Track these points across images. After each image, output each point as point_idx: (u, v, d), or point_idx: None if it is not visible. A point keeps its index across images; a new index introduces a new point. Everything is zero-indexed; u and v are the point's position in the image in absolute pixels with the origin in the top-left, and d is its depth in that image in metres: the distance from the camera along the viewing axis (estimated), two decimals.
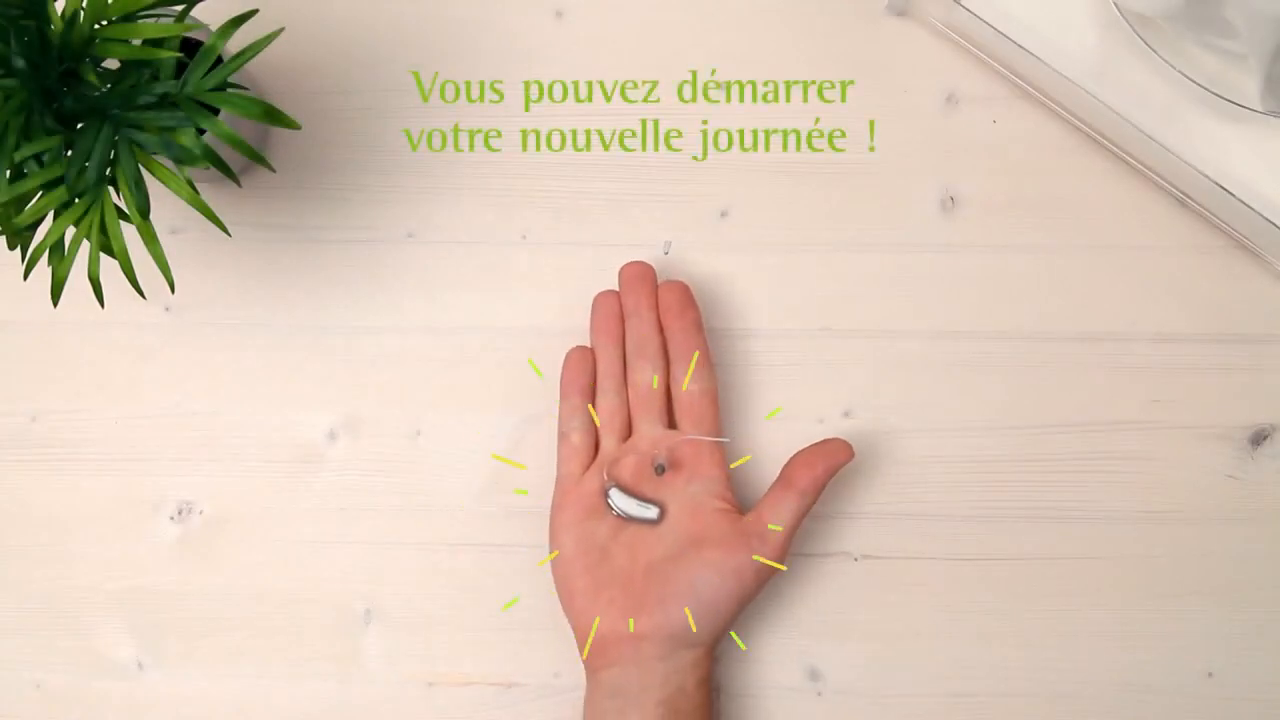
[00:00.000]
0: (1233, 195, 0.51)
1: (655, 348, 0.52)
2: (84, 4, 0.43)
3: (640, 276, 0.53)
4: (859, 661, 0.54)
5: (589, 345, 0.54)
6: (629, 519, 0.51)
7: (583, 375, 0.53)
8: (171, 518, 0.55)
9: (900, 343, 0.56)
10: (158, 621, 0.55)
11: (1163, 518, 0.54)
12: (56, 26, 0.43)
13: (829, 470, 0.50)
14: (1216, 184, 0.52)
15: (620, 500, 0.51)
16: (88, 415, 0.56)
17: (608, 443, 0.52)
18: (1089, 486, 0.55)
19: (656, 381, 0.52)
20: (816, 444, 0.51)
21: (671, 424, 0.53)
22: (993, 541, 0.54)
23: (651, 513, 0.51)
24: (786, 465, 0.51)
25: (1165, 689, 0.53)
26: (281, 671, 0.54)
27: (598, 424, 0.53)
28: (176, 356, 0.56)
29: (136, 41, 0.43)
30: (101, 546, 0.55)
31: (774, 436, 0.55)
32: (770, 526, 0.50)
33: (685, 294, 0.53)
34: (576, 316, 0.55)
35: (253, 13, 0.44)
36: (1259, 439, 0.55)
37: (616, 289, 0.54)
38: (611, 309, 0.53)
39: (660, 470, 0.51)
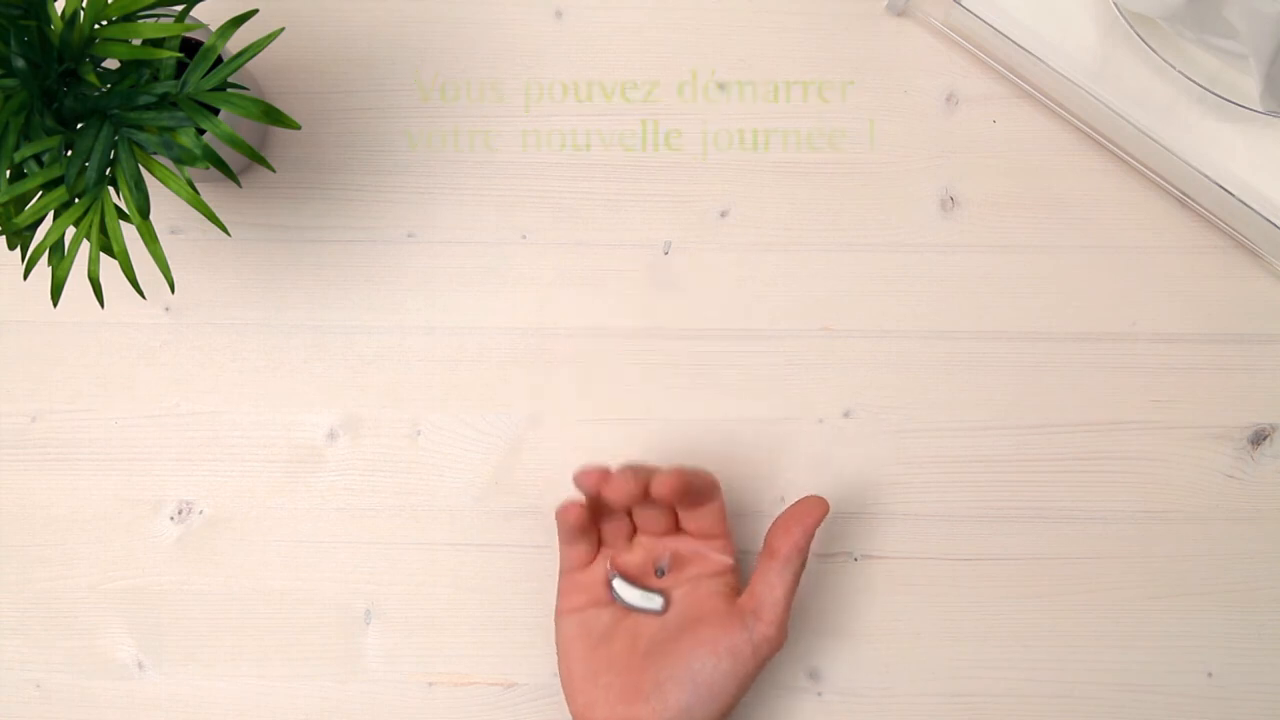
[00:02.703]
0: (1233, 195, 0.51)
1: (663, 518, 0.50)
2: (84, 4, 0.43)
3: (625, 495, 0.48)
4: (859, 661, 0.54)
5: (580, 501, 0.49)
6: (633, 609, 0.50)
7: (581, 531, 0.50)
8: (171, 518, 0.55)
9: (900, 343, 0.56)
10: (158, 621, 0.55)
11: (1163, 518, 0.54)
12: (56, 26, 0.43)
13: (806, 532, 0.49)
14: (1216, 184, 0.52)
15: (624, 590, 0.50)
16: (88, 415, 0.56)
17: (613, 541, 0.51)
18: (1089, 486, 0.55)
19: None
20: (790, 507, 0.50)
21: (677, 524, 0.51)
22: (993, 541, 0.54)
23: (655, 603, 0.49)
24: (767, 535, 0.50)
25: (1165, 689, 0.54)
26: (281, 671, 0.55)
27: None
28: (176, 356, 0.56)
29: (136, 41, 0.43)
30: (101, 546, 0.55)
31: (774, 437, 0.55)
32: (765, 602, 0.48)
33: (681, 484, 0.47)
34: (576, 317, 0.55)
35: (253, 13, 0.44)
36: (1259, 439, 0.55)
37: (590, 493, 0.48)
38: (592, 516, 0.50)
39: (661, 573, 0.50)
